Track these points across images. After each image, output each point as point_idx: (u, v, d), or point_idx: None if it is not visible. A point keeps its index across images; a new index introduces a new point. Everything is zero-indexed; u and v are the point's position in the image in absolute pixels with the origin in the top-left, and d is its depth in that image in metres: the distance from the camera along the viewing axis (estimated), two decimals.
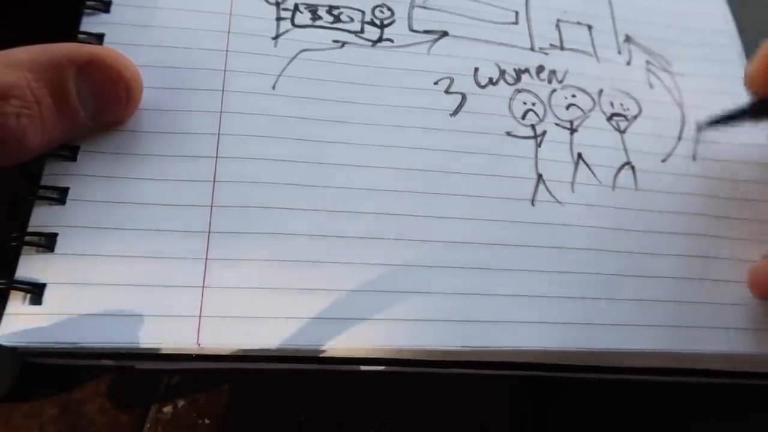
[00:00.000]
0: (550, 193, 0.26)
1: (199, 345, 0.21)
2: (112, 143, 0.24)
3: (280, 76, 0.26)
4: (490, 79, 0.29)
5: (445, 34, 0.29)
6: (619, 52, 0.31)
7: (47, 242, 0.22)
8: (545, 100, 0.29)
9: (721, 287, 0.26)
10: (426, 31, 0.29)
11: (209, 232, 0.23)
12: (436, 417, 0.25)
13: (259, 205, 0.23)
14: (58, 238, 0.22)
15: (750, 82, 0.27)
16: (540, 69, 0.30)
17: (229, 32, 0.27)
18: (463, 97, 0.28)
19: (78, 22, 0.25)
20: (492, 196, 0.26)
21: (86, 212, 0.22)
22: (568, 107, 0.29)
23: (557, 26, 0.31)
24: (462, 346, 0.23)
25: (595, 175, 0.27)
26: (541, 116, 0.28)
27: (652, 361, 0.25)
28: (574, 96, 0.29)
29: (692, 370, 0.25)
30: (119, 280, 0.21)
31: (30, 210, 0.22)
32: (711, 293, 0.26)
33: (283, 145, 0.25)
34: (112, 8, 0.26)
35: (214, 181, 0.24)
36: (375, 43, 0.28)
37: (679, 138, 0.29)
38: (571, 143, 0.28)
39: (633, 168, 0.28)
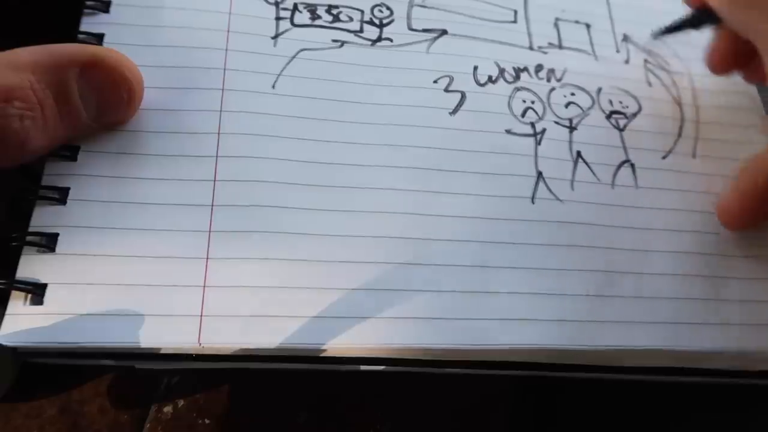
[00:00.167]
0: (550, 190, 0.26)
1: (200, 344, 0.21)
2: (112, 143, 0.24)
3: (279, 75, 0.26)
4: (490, 78, 0.29)
5: (444, 32, 0.29)
6: (618, 51, 0.31)
7: (48, 242, 0.22)
8: (544, 99, 0.29)
9: (721, 284, 0.26)
10: (425, 30, 0.29)
11: (210, 231, 0.23)
12: (436, 417, 0.25)
13: (260, 204, 0.23)
14: (59, 238, 0.22)
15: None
16: (539, 68, 0.30)
17: (228, 31, 0.27)
18: (463, 95, 0.28)
19: (78, 22, 0.25)
20: (492, 194, 0.26)
21: (87, 212, 0.22)
22: (567, 105, 0.29)
23: (556, 25, 0.31)
24: (462, 344, 0.23)
25: (594, 173, 0.27)
26: (540, 114, 0.28)
27: (652, 359, 0.25)
28: (573, 94, 0.29)
29: (692, 369, 0.25)
30: (120, 280, 0.21)
31: (31, 210, 0.22)
32: (711, 290, 0.26)
33: (283, 144, 0.25)
34: (112, 8, 0.26)
35: (215, 181, 0.24)
36: (374, 42, 0.28)
37: (679, 135, 0.29)
38: (570, 141, 0.28)
39: (632, 166, 0.28)
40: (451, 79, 0.28)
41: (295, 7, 0.28)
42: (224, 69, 0.26)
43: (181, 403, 0.24)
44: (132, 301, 0.21)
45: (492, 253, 0.24)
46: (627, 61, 0.31)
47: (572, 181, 0.27)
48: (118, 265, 0.22)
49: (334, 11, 0.29)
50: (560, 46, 0.31)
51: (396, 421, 0.25)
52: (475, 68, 0.29)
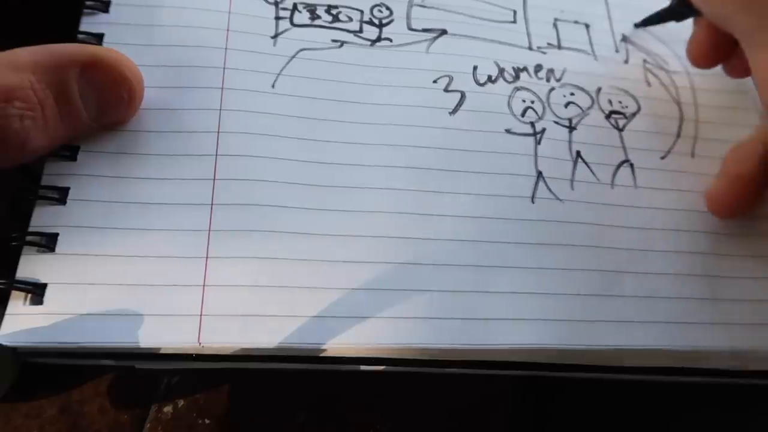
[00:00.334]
0: (550, 190, 0.26)
1: (200, 344, 0.21)
2: (112, 143, 0.24)
3: (279, 74, 0.26)
4: (489, 77, 0.29)
5: (443, 32, 0.29)
6: (617, 51, 0.31)
7: (48, 242, 0.22)
8: (544, 98, 0.29)
9: (721, 283, 0.26)
10: (424, 30, 0.29)
11: (210, 230, 0.23)
12: (436, 417, 0.25)
13: (260, 204, 0.23)
14: (59, 238, 0.22)
15: None
16: (538, 67, 0.30)
17: (228, 30, 0.27)
18: (462, 95, 0.28)
19: (78, 22, 0.25)
20: (492, 193, 0.26)
21: (87, 212, 0.22)
22: (566, 105, 0.29)
23: (555, 25, 0.31)
24: (462, 344, 0.23)
25: (593, 173, 0.27)
26: (540, 114, 0.28)
27: (652, 359, 0.25)
28: (572, 94, 0.29)
29: (691, 369, 0.25)
30: (120, 279, 0.21)
31: (31, 210, 0.22)
32: (710, 290, 0.26)
33: (283, 144, 0.25)
34: (112, 8, 0.26)
35: (215, 180, 0.24)
36: (374, 42, 0.28)
37: (678, 135, 0.29)
38: (570, 141, 0.28)
39: (632, 165, 0.28)
40: (451, 78, 0.28)
41: (295, 6, 0.28)
42: (224, 68, 0.26)
43: (181, 403, 0.24)
44: (132, 301, 0.21)
45: (492, 253, 0.24)
46: (626, 61, 0.31)
47: (572, 181, 0.27)
48: (117, 264, 0.22)
49: (334, 11, 0.29)
50: (559, 46, 0.31)
51: (396, 421, 0.25)
52: (475, 68, 0.29)
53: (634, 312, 0.24)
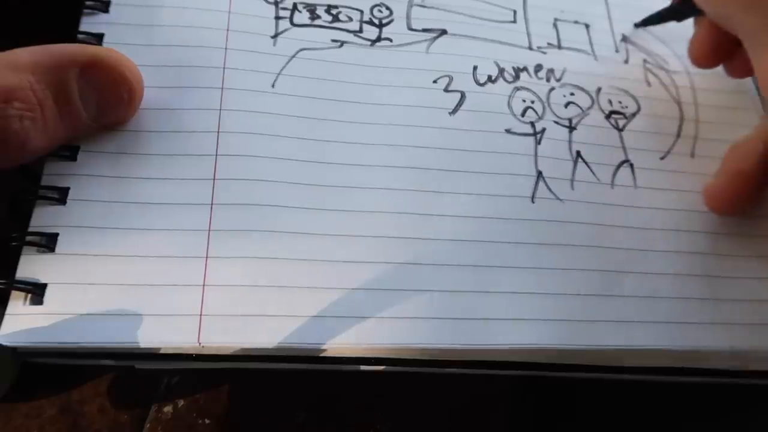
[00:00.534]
0: (550, 190, 0.26)
1: (200, 344, 0.21)
2: (112, 143, 0.24)
3: (279, 74, 0.26)
4: (489, 77, 0.29)
5: (443, 32, 0.29)
6: (617, 51, 0.31)
7: (48, 242, 0.22)
8: (544, 98, 0.29)
9: (721, 283, 0.26)
10: (424, 30, 0.29)
11: (209, 230, 0.23)
12: (436, 417, 0.25)
13: (260, 204, 0.23)
14: (59, 238, 0.22)
15: None
16: (538, 67, 0.30)
17: (228, 30, 0.27)
18: (462, 95, 0.28)
19: (78, 22, 0.25)
20: (492, 193, 0.26)
21: (87, 212, 0.22)
22: (566, 105, 0.29)
23: (555, 25, 0.31)
24: (462, 344, 0.23)
25: (593, 173, 0.27)
26: (540, 114, 0.28)
27: (652, 359, 0.25)
28: (572, 94, 0.29)
29: (692, 369, 0.25)
30: (120, 279, 0.21)
31: (31, 210, 0.22)
32: (711, 289, 0.26)
33: (283, 144, 0.25)
34: (112, 8, 0.26)
35: (214, 180, 0.24)
36: (374, 42, 0.28)
37: (678, 135, 0.29)
38: (570, 141, 0.28)
39: (632, 165, 0.28)
40: (451, 78, 0.28)
41: (295, 6, 0.28)
42: (224, 68, 0.26)
43: (181, 403, 0.24)
44: (132, 301, 0.21)
45: (492, 253, 0.24)
46: (626, 61, 0.31)
47: (572, 181, 0.27)
48: (117, 264, 0.22)
49: (334, 11, 0.29)
50: (559, 46, 0.31)
51: (396, 421, 0.25)
52: (475, 68, 0.29)
53: (634, 312, 0.24)
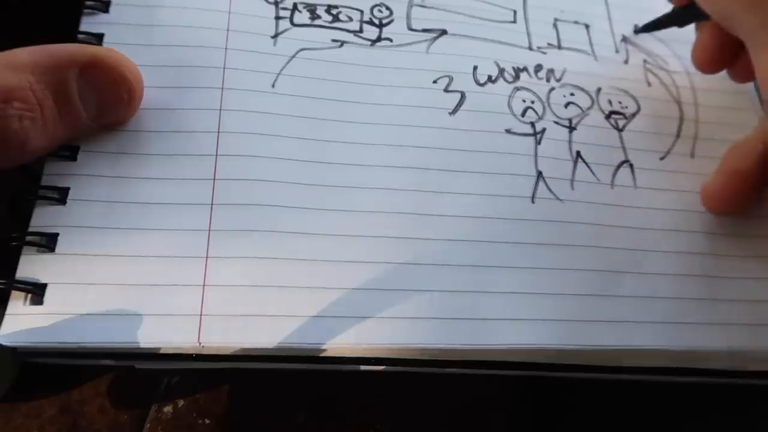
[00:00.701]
0: (550, 190, 0.26)
1: (200, 344, 0.21)
2: (112, 143, 0.24)
3: (279, 74, 0.26)
4: (489, 77, 0.29)
5: (443, 32, 0.29)
6: (617, 51, 0.31)
7: (48, 242, 0.22)
8: (544, 98, 0.29)
9: (720, 284, 0.26)
10: (424, 30, 0.29)
11: (210, 230, 0.23)
12: (436, 417, 0.25)
13: (260, 204, 0.23)
14: (59, 238, 0.22)
15: None
16: (538, 68, 0.30)
17: (228, 30, 0.27)
18: (462, 95, 0.28)
19: (78, 22, 0.25)
20: (492, 193, 0.26)
21: (87, 212, 0.22)
22: (566, 105, 0.29)
23: (555, 25, 0.31)
24: (462, 344, 0.23)
25: (593, 173, 0.27)
26: (540, 114, 0.28)
27: (651, 359, 0.25)
28: (572, 94, 0.29)
29: (691, 370, 0.25)
30: (120, 279, 0.21)
31: (31, 210, 0.22)
32: (709, 290, 0.26)
33: (283, 144, 0.25)
34: (112, 8, 0.26)
35: (215, 180, 0.24)
36: (374, 42, 0.28)
37: (678, 135, 0.29)
38: (570, 141, 0.28)
39: (631, 166, 0.28)
40: (451, 79, 0.28)
41: (295, 6, 0.28)
42: (224, 68, 0.26)
43: (181, 403, 0.24)
44: (132, 301, 0.21)
45: (491, 253, 0.24)
46: (626, 62, 0.31)
47: (572, 181, 0.27)
48: (117, 265, 0.22)
49: (334, 11, 0.29)
50: (559, 47, 0.31)
51: (396, 421, 0.25)
52: (475, 68, 0.29)
53: (632, 312, 0.24)
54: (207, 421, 0.24)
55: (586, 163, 0.27)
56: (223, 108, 0.25)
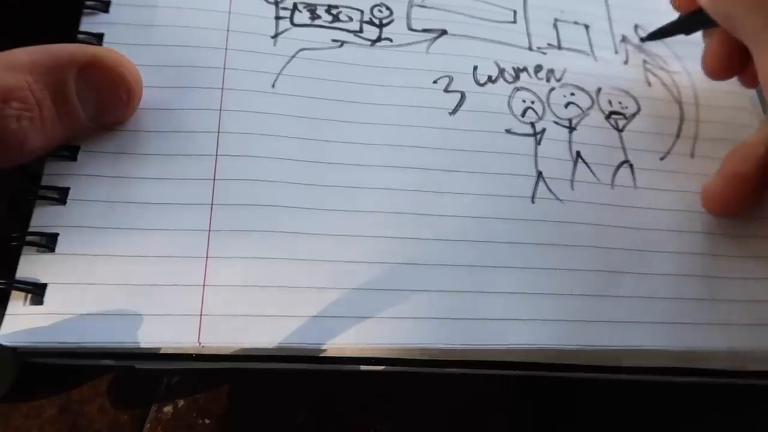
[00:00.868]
0: (550, 190, 0.26)
1: (200, 344, 0.21)
2: (112, 143, 0.24)
3: (279, 74, 0.26)
4: (489, 78, 0.29)
5: (443, 32, 0.29)
6: (616, 52, 0.31)
7: (48, 242, 0.22)
8: (544, 99, 0.29)
9: (719, 284, 0.26)
10: (425, 30, 0.29)
11: (210, 230, 0.23)
12: (436, 417, 0.25)
13: (260, 204, 0.23)
14: (59, 238, 0.22)
15: (673, 3, 0.30)
16: (538, 68, 0.30)
17: (228, 30, 0.27)
18: (462, 95, 0.28)
19: (78, 22, 0.25)
20: (492, 193, 0.26)
21: (87, 212, 0.22)
22: (566, 105, 0.29)
23: (555, 26, 0.31)
24: (462, 344, 0.23)
25: (594, 173, 0.27)
26: (540, 114, 0.28)
27: (651, 359, 0.25)
28: (572, 94, 0.29)
29: (691, 370, 0.25)
30: (120, 279, 0.21)
31: (31, 210, 0.22)
32: (709, 290, 0.26)
33: (283, 144, 0.25)
34: (112, 8, 0.26)
35: (215, 180, 0.24)
36: (374, 42, 0.28)
37: (678, 136, 0.29)
38: (570, 141, 0.28)
39: (631, 166, 0.28)
40: (451, 79, 0.28)
41: (295, 6, 0.28)
42: (224, 68, 0.26)
43: (181, 403, 0.24)
44: (132, 300, 0.21)
45: (491, 253, 0.24)
46: (626, 62, 0.31)
47: (572, 181, 0.27)
48: (117, 264, 0.22)
49: (334, 11, 0.29)
50: (559, 47, 0.31)
51: (396, 421, 0.25)
52: (475, 68, 0.29)
53: (632, 312, 0.24)
54: (207, 421, 0.24)
55: (586, 164, 0.27)
56: (223, 108, 0.25)
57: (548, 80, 0.29)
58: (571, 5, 0.32)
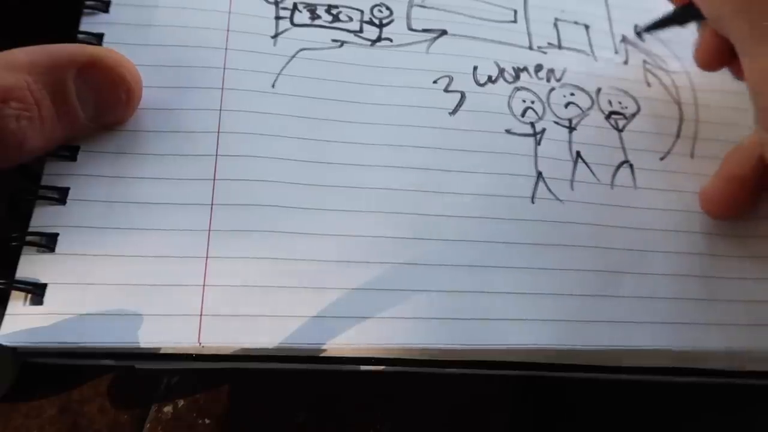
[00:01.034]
0: (550, 190, 0.26)
1: (200, 344, 0.21)
2: (111, 143, 0.24)
3: (279, 74, 0.26)
4: (489, 78, 0.29)
5: (443, 32, 0.29)
6: (616, 52, 0.31)
7: (48, 242, 0.22)
8: (544, 99, 0.29)
9: (719, 284, 0.26)
10: (425, 30, 0.29)
11: (209, 230, 0.23)
12: (436, 417, 0.25)
13: (260, 204, 0.23)
14: (59, 238, 0.22)
15: None
16: (538, 68, 0.30)
17: (228, 30, 0.27)
18: (462, 95, 0.28)
19: (78, 21, 0.25)
20: (492, 193, 0.26)
21: (87, 212, 0.22)
22: (566, 105, 0.29)
23: (555, 25, 0.31)
24: (462, 344, 0.23)
25: (593, 174, 0.27)
26: (540, 114, 0.28)
27: (651, 359, 0.25)
28: (572, 94, 0.29)
29: (690, 370, 0.25)
30: (120, 279, 0.21)
31: (30, 210, 0.22)
32: (709, 290, 0.26)
33: (283, 144, 0.25)
34: (112, 8, 0.26)
35: (215, 180, 0.24)
36: (374, 42, 0.28)
37: (678, 136, 0.29)
38: (570, 141, 0.28)
39: (631, 166, 0.28)
40: (451, 79, 0.28)
41: (295, 6, 0.28)
42: (224, 68, 0.26)
43: (181, 403, 0.24)
44: (132, 300, 0.21)
45: (491, 253, 0.24)
46: (626, 62, 0.31)
47: (572, 181, 0.27)
48: (117, 264, 0.22)
49: (334, 11, 0.29)
50: (560, 47, 0.31)
51: (396, 421, 0.25)
52: (475, 68, 0.29)
53: (632, 312, 0.25)
54: (207, 421, 0.24)
55: (586, 164, 0.27)
56: (223, 108, 0.25)
57: (548, 80, 0.29)
58: (572, 5, 0.32)
